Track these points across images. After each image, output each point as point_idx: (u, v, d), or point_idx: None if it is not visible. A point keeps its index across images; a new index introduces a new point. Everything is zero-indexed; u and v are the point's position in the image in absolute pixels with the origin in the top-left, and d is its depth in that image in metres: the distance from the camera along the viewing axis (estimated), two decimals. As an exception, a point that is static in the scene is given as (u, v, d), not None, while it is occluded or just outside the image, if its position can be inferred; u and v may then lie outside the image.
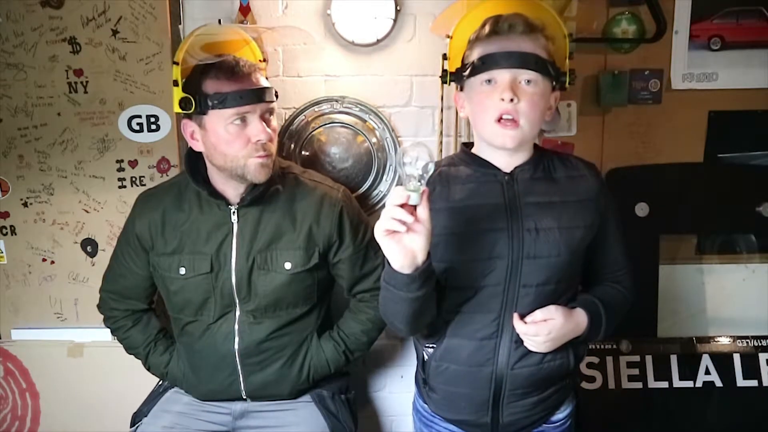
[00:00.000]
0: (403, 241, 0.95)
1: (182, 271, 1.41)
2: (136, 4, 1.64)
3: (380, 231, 0.94)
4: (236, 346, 1.42)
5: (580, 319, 1.19)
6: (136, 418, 1.51)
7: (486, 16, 1.19)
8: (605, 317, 1.21)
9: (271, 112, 1.35)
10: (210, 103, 1.27)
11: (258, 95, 1.30)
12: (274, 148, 1.37)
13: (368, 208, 1.74)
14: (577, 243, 1.18)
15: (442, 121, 1.70)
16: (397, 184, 0.92)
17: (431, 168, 0.91)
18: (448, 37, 1.28)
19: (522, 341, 1.19)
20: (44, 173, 1.75)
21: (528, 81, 1.12)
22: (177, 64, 1.28)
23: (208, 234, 1.40)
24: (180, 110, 1.29)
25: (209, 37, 1.36)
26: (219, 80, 1.29)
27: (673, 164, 1.90)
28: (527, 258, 1.15)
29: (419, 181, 0.89)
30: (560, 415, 1.32)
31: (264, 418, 1.49)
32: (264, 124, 1.31)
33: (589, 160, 1.29)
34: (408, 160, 0.89)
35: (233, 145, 1.30)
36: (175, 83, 1.28)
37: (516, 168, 1.20)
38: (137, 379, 1.65)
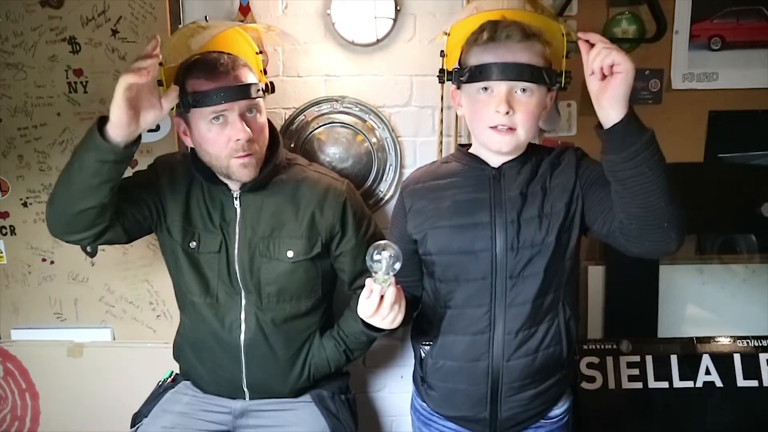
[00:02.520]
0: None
1: (193, 244, 1.42)
2: (136, 4, 1.64)
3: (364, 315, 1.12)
4: (242, 337, 1.43)
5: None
6: (137, 419, 1.51)
7: (484, 17, 1.19)
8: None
9: (255, 109, 1.34)
10: (190, 102, 1.27)
11: (236, 93, 1.28)
12: (259, 146, 1.35)
13: (368, 208, 1.73)
14: (559, 226, 1.18)
15: (442, 121, 1.70)
16: (368, 276, 1.11)
17: (398, 266, 1.06)
18: (446, 34, 1.27)
19: (516, 333, 1.20)
20: (44, 173, 1.75)
21: (524, 90, 1.14)
22: (161, 65, 1.26)
23: (214, 215, 1.42)
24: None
25: (198, 35, 1.33)
26: (198, 79, 1.29)
27: (673, 164, 1.88)
28: (511, 250, 1.18)
29: (387, 273, 1.06)
30: (558, 410, 1.33)
31: (264, 418, 1.49)
32: (244, 122, 1.30)
33: (569, 144, 1.29)
34: (377, 258, 1.05)
35: (215, 144, 1.30)
36: (160, 83, 1.26)
37: (504, 164, 1.22)
38: (137, 379, 1.65)
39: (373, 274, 1.07)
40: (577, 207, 1.19)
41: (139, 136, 1.23)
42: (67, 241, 1.37)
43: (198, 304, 1.44)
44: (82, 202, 1.26)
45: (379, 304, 1.09)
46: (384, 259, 1.05)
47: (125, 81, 1.16)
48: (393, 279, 1.08)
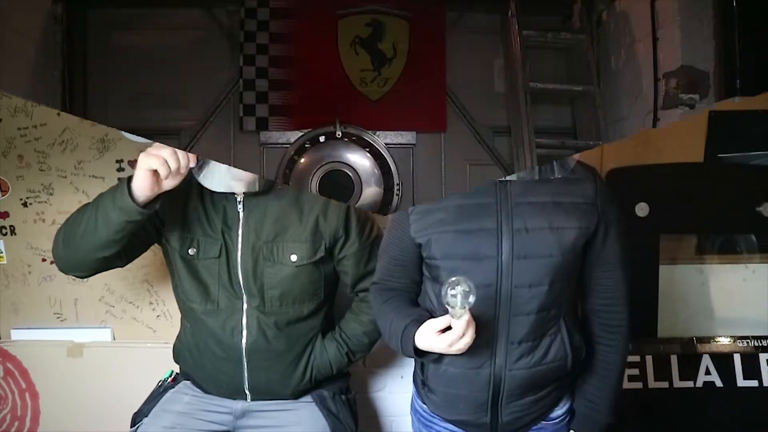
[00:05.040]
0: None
1: (192, 251, 1.41)
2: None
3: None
4: (243, 341, 1.42)
5: None
6: (137, 418, 1.50)
7: None
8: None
9: None
10: None
11: None
12: None
13: (368, 208, 1.74)
14: (570, 244, 1.17)
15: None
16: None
17: (473, 300, 1.04)
18: None
19: (520, 342, 1.19)
20: (44, 173, 1.75)
21: None
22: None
23: (216, 220, 1.41)
24: None
25: None
26: None
27: (673, 164, 1.90)
28: (518, 258, 1.16)
29: (463, 307, 1.05)
30: (559, 411, 1.32)
31: (265, 418, 1.49)
32: None
33: (589, 164, 1.27)
34: (453, 292, 1.04)
35: None
36: None
37: None
38: (137, 379, 1.65)
39: (450, 310, 1.06)
40: (586, 236, 1.19)
41: (161, 194, 1.28)
42: (71, 275, 1.44)
43: (198, 310, 1.44)
44: (101, 252, 1.32)
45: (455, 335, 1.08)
46: (459, 293, 1.05)
47: (149, 165, 1.21)
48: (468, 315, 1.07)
